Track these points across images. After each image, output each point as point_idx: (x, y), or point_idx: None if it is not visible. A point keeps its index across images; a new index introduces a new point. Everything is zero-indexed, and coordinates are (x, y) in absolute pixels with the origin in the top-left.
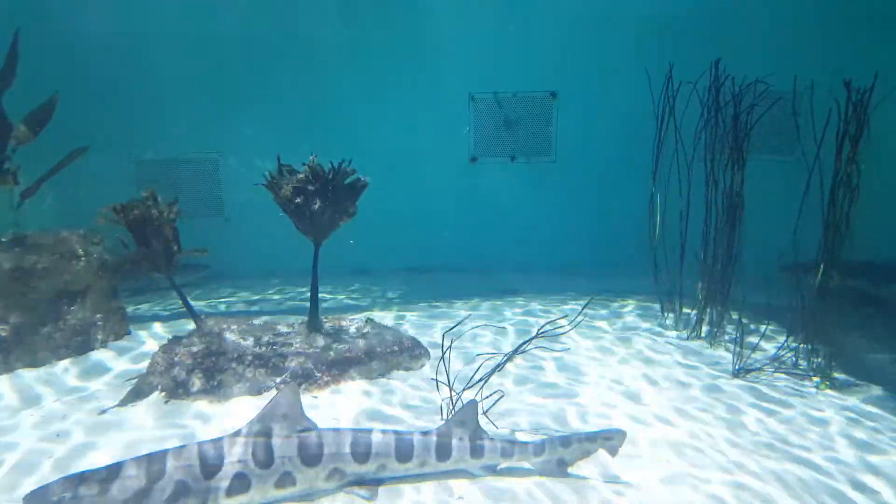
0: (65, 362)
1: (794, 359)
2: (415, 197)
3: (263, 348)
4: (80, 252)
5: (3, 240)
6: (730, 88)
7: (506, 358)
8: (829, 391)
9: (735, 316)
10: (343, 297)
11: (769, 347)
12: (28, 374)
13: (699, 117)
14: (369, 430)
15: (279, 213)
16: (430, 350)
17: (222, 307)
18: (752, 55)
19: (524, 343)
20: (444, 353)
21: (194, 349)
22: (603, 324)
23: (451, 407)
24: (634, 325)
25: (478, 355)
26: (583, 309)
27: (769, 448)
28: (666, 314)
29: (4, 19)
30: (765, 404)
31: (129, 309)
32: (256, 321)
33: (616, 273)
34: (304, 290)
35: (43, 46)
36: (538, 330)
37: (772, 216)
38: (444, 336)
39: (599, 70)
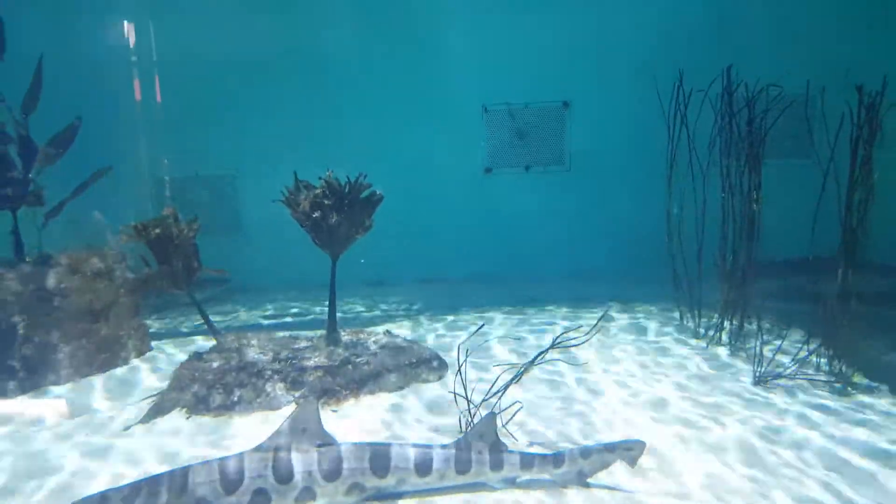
0: (89, 379)
1: (815, 363)
2: (430, 208)
3: (282, 363)
4: (103, 270)
5: (28, 259)
6: (743, 94)
7: (523, 368)
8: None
9: (755, 322)
10: (361, 309)
11: (789, 351)
12: (56, 390)
13: (713, 123)
14: (388, 445)
15: (297, 228)
16: (448, 362)
17: (242, 321)
18: (762, 59)
19: (542, 353)
20: (460, 367)
21: (214, 365)
22: (622, 331)
23: (469, 420)
24: (654, 332)
25: (495, 366)
26: (601, 318)
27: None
28: (685, 321)
29: (29, 41)
30: (796, 407)
31: (153, 326)
32: (275, 335)
33: (633, 280)
34: (322, 303)
35: (64, 65)
36: (555, 339)
37: (788, 219)
38: (459, 348)
39: (611, 79)
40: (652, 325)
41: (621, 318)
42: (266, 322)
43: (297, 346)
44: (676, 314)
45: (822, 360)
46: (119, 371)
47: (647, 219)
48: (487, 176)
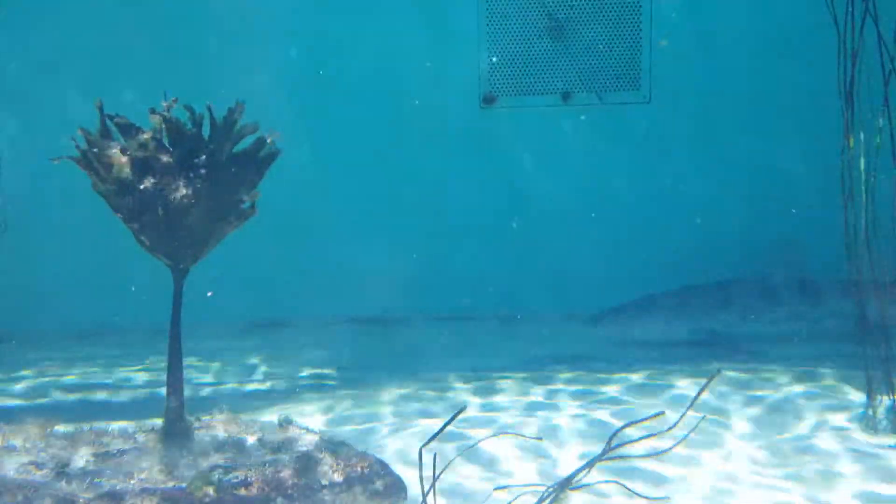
0: None
1: None
2: (372, 180)
3: (74, 484)
4: None
5: None
6: None
7: (551, 491)
8: None
9: None
10: (235, 376)
11: None
12: None
13: None
14: None
15: (105, 214)
16: (405, 478)
17: None
18: None
19: (585, 468)
20: (426, 495)
21: None
22: (740, 421)
23: None
24: (812, 426)
25: (498, 489)
26: (703, 388)
27: None
28: (877, 402)
29: None
30: None
31: None
32: (62, 428)
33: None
34: (154, 364)
35: None
36: (611, 437)
37: None
38: (422, 454)
39: None
40: (806, 408)
41: (741, 392)
42: (40, 400)
43: (107, 449)
44: (853, 391)
45: None
46: None
47: (799, 186)
48: (487, 111)
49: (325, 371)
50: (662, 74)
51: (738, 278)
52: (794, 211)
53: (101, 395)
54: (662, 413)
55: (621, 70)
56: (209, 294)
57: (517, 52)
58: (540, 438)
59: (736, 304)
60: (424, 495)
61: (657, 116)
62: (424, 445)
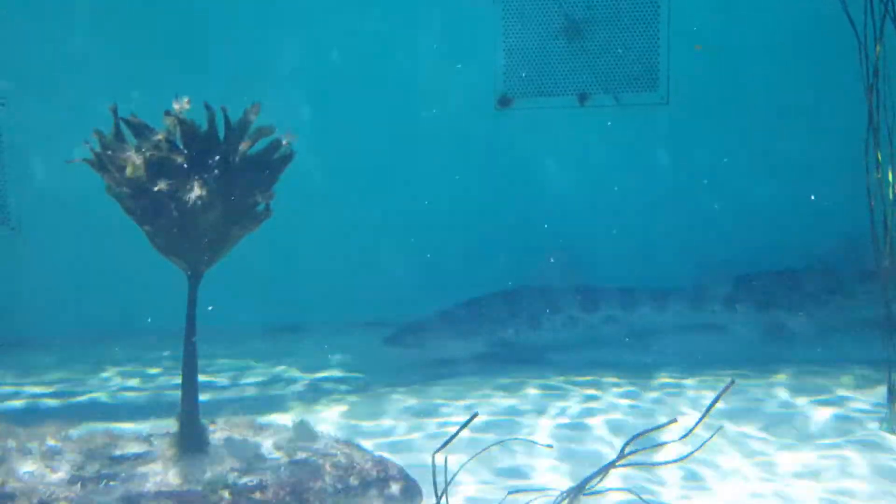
0: None
1: None
2: (390, 185)
3: (90, 486)
4: None
5: None
6: None
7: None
8: None
9: None
10: (251, 378)
11: None
12: None
13: None
14: None
15: (118, 216)
16: (421, 483)
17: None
18: None
19: (601, 471)
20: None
21: None
22: (755, 428)
23: None
24: (829, 429)
25: (513, 493)
26: (721, 394)
27: None
28: None
29: None
30: None
31: None
32: (76, 431)
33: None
34: (168, 368)
35: None
36: (623, 446)
37: None
38: (434, 459)
39: None
40: (821, 415)
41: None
42: (53, 403)
43: (120, 453)
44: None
45: None
46: None
47: (825, 189)
48: (503, 113)
49: (342, 375)
50: (681, 73)
51: (525, 286)
52: None
53: (116, 399)
54: (674, 420)
55: (639, 70)
56: (209, 308)
57: (533, 53)
58: (550, 446)
59: (524, 313)
60: (438, 498)
61: (674, 117)
62: (438, 451)
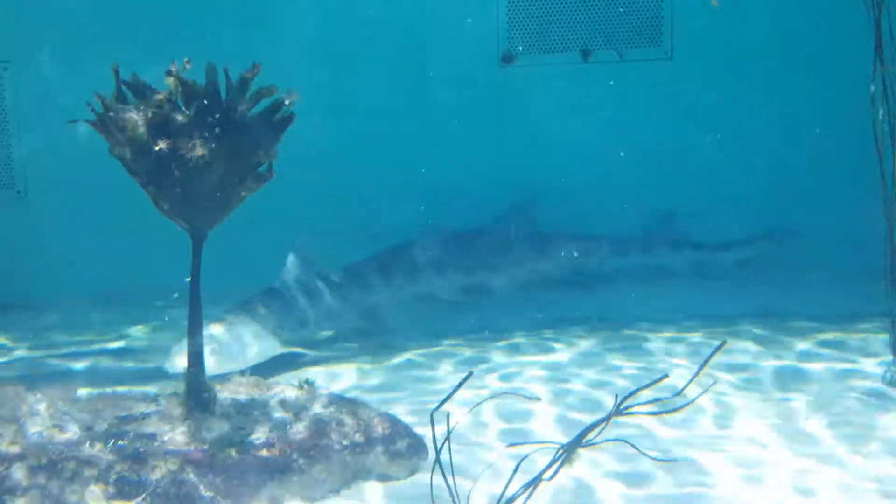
0: None
1: None
2: (387, 147)
3: (99, 446)
4: None
5: None
6: None
7: (563, 453)
8: None
9: None
10: None
11: None
12: None
13: None
14: None
15: (123, 179)
16: (426, 440)
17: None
18: None
19: (596, 425)
20: (439, 450)
21: None
22: (763, 376)
23: None
24: (829, 380)
25: (510, 446)
26: (714, 351)
27: None
28: None
29: None
30: None
31: None
32: (85, 392)
33: (799, 274)
34: (176, 328)
35: None
36: (617, 402)
37: None
38: (433, 417)
39: None
40: (817, 369)
41: (772, 359)
42: (62, 364)
43: (129, 413)
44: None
45: None
46: None
47: (831, 151)
48: (507, 69)
49: (350, 335)
50: (686, 27)
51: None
52: None
53: (122, 360)
54: (666, 376)
55: (642, 26)
56: (175, 295)
57: (536, 9)
58: (538, 398)
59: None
60: (438, 451)
61: (679, 73)
62: (436, 410)
